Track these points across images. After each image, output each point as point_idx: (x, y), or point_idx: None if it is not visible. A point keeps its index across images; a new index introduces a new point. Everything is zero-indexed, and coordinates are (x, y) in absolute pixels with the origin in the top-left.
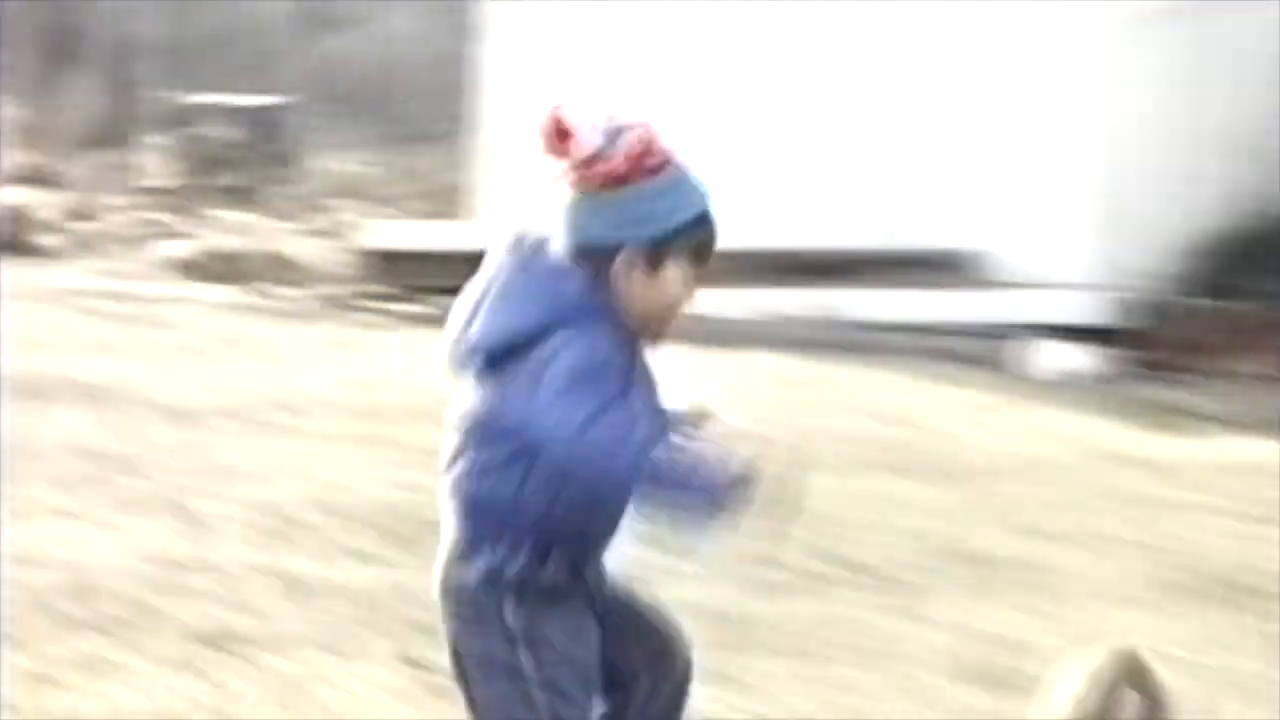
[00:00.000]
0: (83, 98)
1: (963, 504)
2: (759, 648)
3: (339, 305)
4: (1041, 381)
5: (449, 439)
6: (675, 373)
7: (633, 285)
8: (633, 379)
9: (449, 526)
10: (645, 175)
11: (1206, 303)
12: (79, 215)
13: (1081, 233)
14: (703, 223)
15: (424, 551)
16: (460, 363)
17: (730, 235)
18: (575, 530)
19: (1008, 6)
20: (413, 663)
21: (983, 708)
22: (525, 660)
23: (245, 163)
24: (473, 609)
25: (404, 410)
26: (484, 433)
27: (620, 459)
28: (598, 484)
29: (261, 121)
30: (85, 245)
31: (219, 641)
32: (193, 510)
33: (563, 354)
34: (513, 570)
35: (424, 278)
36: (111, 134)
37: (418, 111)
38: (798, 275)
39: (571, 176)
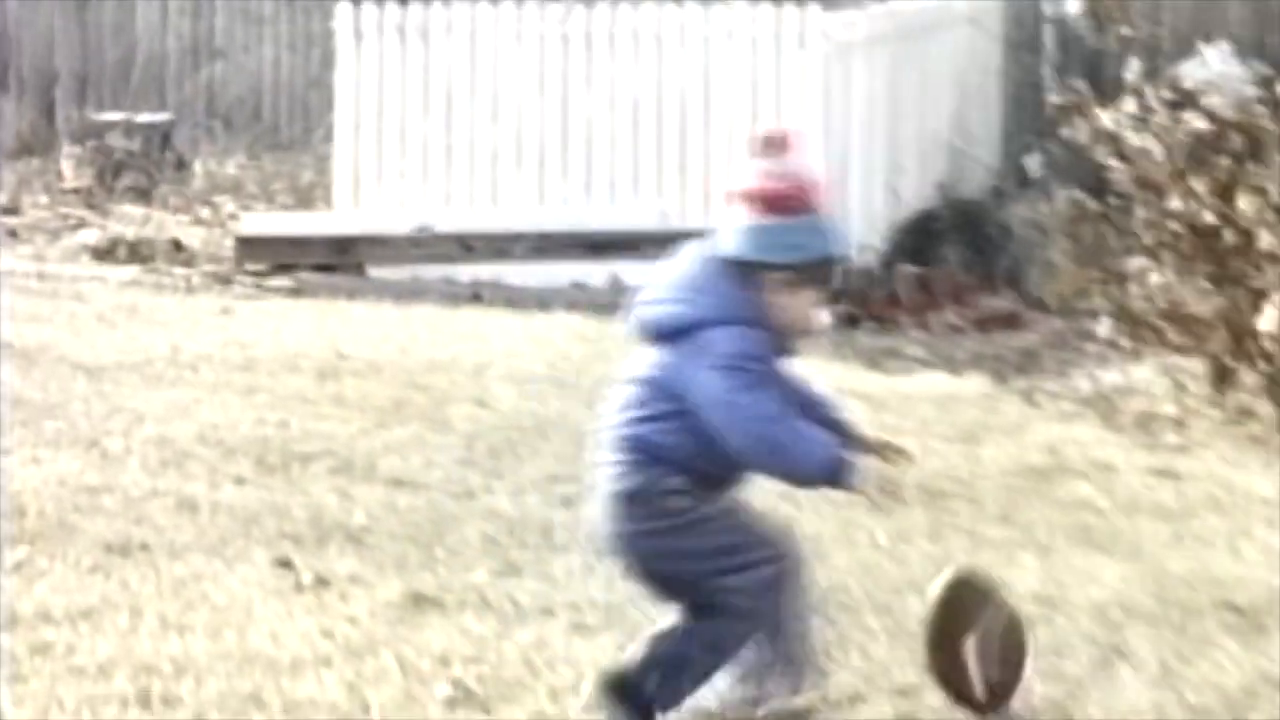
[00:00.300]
0: (12, 118)
1: None
2: (557, 547)
3: (221, 280)
4: None
5: (622, 390)
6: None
7: (777, 298)
8: (773, 369)
9: (614, 455)
10: (800, 213)
11: (909, 269)
12: (9, 211)
13: None
14: (830, 260)
15: (291, 476)
16: (640, 333)
17: (533, 217)
18: (712, 471)
19: (749, 29)
20: (283, 565)
21: None
22: (687, 540)
23: (144, 167)
24: (628, 511)
25: (273, 363)
26: (653, 390)
27: (760, 426)
28: (739, 442)
29: (157, 133)
30: (15, 235)
31: (125, 550)
32: (103, 446)
33: (723, 342)
34: (659, 489)
35: (289, 257)
36: (36, 146)
37: (284, 124)
38: (589, 251)
39: (747, 201)
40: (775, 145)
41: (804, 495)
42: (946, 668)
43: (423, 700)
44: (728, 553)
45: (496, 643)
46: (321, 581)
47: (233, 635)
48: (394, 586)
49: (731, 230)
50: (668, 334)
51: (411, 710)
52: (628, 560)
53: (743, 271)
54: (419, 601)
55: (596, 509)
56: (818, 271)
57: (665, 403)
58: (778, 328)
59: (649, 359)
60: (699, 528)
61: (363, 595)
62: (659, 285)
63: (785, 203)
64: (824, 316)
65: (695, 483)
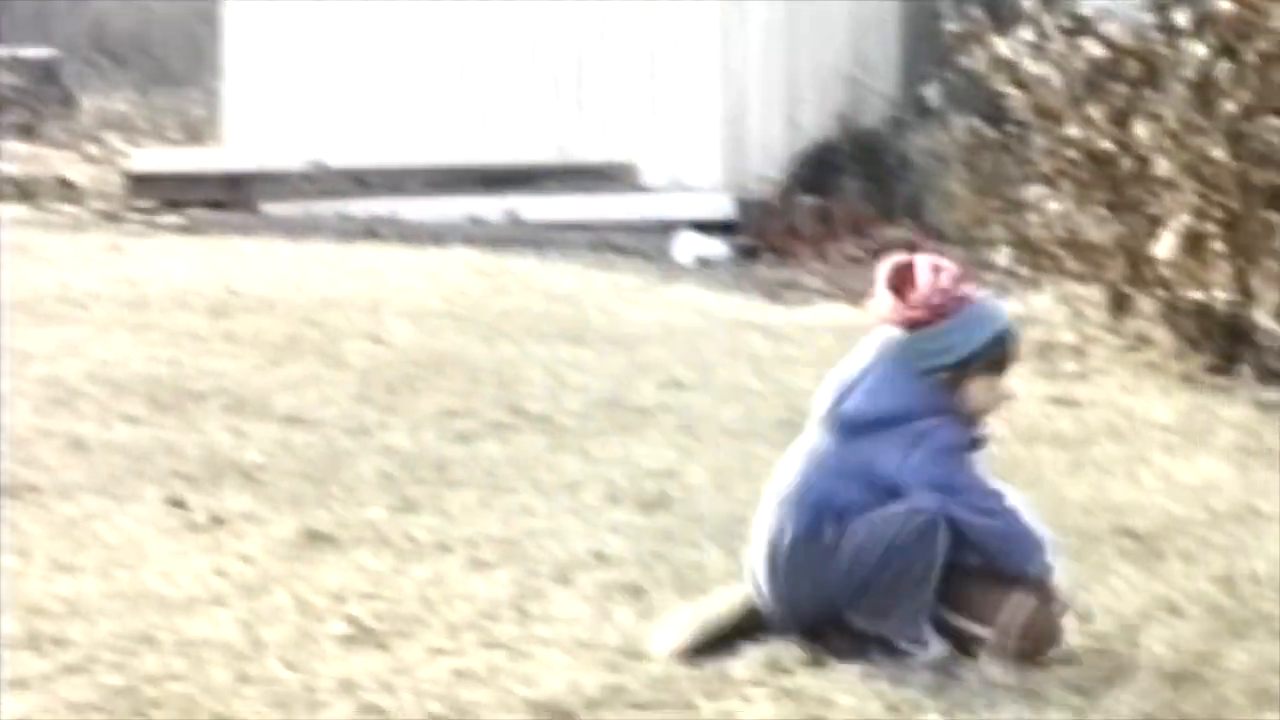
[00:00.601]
0: None
1: (620, 365)
2: (454, 483)
3: (110, 218)
4: (681, 266)
5: (791, 464)
6: None
7: (963, 392)
8: (970, 458)
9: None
10: (941, 317)
11: (808, 200)
12: None
13: (711, 147)
14: (996, 342)
15: (183, 414)
16: (830, 423)
17: (429, 152)
18: None
19: None
20: (176, 504)
21: (637, 524)
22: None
23: (29, 104)
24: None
25: (165, 301)
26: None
27: (978, 515)
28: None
29: (43, 70)
30: None
31: (15, 491)
32: None
33: (935, 435)
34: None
35: (178, 194)
36: None
37: (173, 60)
38: (485, 185)
39: (894, 323)
40: (903, 278)
41: (705, 427)
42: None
43: (318, 637)
44: None
45: (393, 579)
46: (215, 520)
47: (125, 575)
48: (289, 524)
49: (895, 344)
50: (862, 427)
51: (307, 648)
52: None
53: (926, 377)
54: (314, 539)
55: None
56: (982, 359)
57: (859, 492)
58: (969, 417)
59: (823, 441)
60: None
61: (257, 533)
62: (846, 380)
63: (925, 320)
64: (1009, 391)
65: None
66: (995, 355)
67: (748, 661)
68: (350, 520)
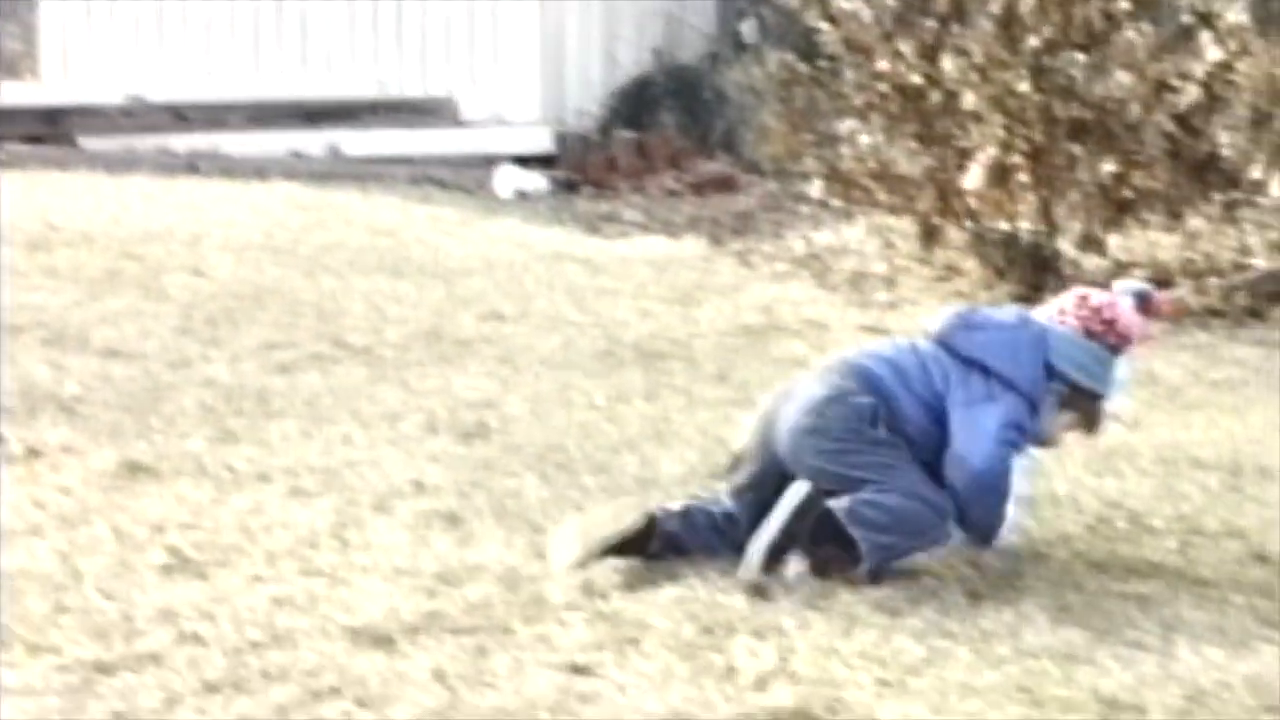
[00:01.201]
0: None
1: (440, 297)
2: (274, 414)
3: None
4: (501, 200)
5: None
6: None
7: (1049, 412)
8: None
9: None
10: (1116, 350)
11: (626, 134)
12: None
13: (530, 82)
14: (1109, 398)
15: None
16: (946, 336)
17: (249, 86)
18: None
19: None
20: None
21: (456, 453)
22: None
23: None
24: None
25: None
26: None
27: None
28: (978, 468)
29: None
30: None
31: None
32: None
33: (1011, 405)
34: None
35: None
36: None
37: None
38: (306, 120)
39: (1099, 328)
40: (1154, 310)
41: (524, 358)
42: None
43: (137, 568)
44: None
45: (213, 509)
46: (33, 452)
47: None
48: (108, 456)
49: (1060, 334)
50: (973, 361)
51: (125, 578)
52: None
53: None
54: (134, 470)
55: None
56: (1094, 403)
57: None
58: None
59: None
60: None
61: (76, 465)
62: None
63: (1108, 339)
64: (1063, 440)
65: None
66: (1097, 409)
67: (564, 586)
68: (170, 451)
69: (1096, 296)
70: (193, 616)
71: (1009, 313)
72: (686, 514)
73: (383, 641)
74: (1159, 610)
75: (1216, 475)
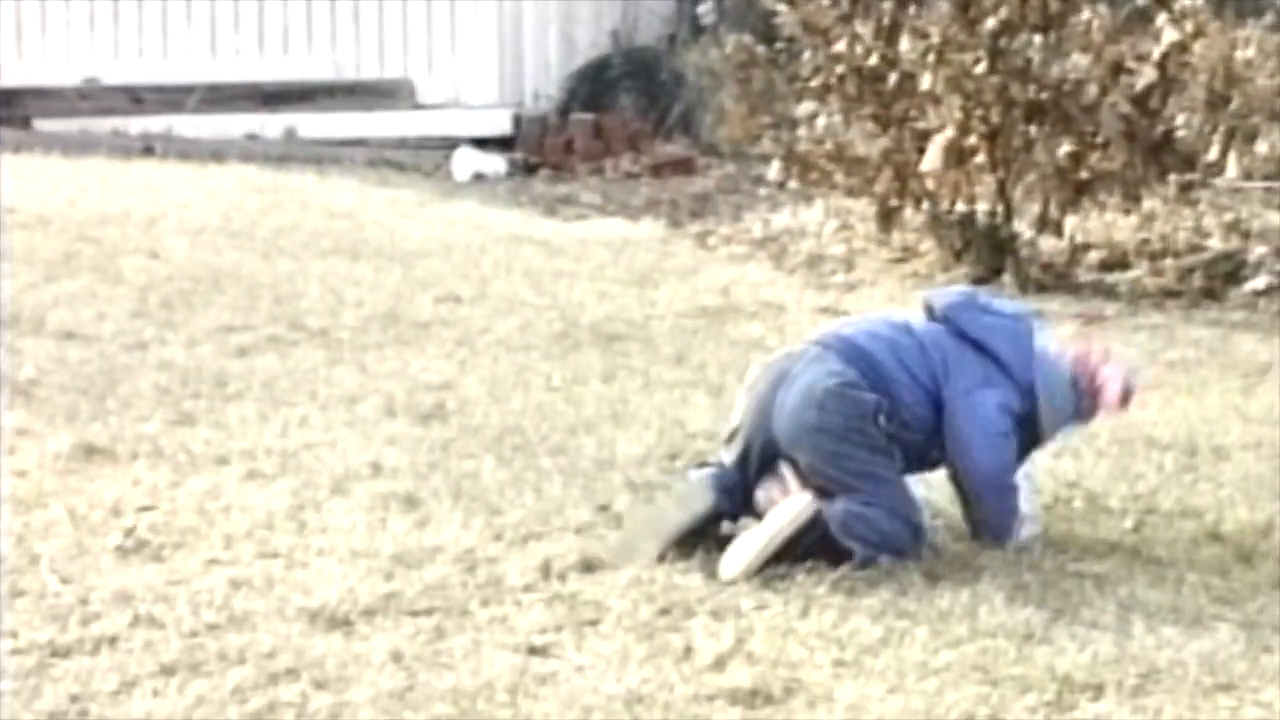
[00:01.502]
0: None
1: (397, 280)
2: (231, 397)
3: None
4: (459, 182)
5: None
6: None
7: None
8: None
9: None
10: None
11: (584, 116)
12: None
13: (488, 65)
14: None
15: None
16: (949, 315)
17: (205, 69)
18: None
19: None
20: None
21: (413, 435)
22: None
23: None
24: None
25: None
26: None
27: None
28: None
29: None
30: None
31: None
32: None
33: (1004, 393)
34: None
35: None
36: None
37: None
38: (263, 102)
39: (1102, 395)
40: (1128, 402)
41: (481, 340)
42: None
43: (94, 550)
44: None
45: (169, 492)
46: None
47: None
48: (64, 438)
49: (1052, 361)
50: (975, 341)
51: (83, 560)
52: None
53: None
54: (90, 453)
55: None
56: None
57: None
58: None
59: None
60: None
61: (32, 447)
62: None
63: (1085, 408)
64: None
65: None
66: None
67: (521, 567)
68: (126, 434)
69: (1101, 364)
70: (149, 599)
71: (1009, 304)
72: (720, 484)
73: (340, 623)
74: (1115, 589)
75: (1172, 455)
